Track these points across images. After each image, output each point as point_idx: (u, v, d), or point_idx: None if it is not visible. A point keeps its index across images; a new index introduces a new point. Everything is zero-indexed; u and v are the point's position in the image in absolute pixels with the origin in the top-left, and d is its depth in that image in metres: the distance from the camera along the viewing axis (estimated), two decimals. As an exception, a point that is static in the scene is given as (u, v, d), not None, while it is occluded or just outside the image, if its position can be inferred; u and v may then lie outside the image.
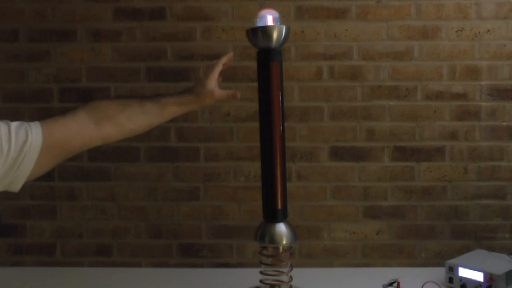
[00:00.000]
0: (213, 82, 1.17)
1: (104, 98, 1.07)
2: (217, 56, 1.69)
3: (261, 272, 1.31)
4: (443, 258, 1.61)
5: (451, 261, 1.48)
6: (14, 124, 0.92)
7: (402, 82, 1.71)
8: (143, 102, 1.10)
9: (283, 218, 1.28)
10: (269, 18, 1.24)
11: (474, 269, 1.41)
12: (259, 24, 1.25)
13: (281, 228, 1.26)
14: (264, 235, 1.26)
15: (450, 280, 1.46)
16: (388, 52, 1.70)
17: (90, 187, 1.75)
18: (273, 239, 1.25)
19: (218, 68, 1.19)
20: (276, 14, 1.26)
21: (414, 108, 1.71)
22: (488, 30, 1.69)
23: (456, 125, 1.71)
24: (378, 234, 1.73)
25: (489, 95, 1.70)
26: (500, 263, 1.45)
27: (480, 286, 1.38)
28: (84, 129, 1.00)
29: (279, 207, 1.26)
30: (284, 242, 1.25)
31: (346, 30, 1.70)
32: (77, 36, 1.73)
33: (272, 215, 1.27)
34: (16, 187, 0.93)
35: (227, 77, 1.70)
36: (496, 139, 1.71)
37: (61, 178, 1.75)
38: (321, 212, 1.73)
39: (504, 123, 1.71)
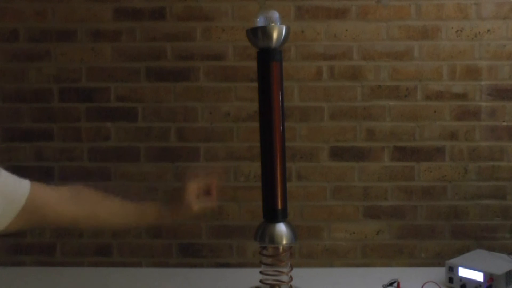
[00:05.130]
0: (191, 197, 1.17)
1: (90, 186, 1.09)
2: (217, 56, 1.72)
3: (261, 272, 1.31)
4: (443, 258, 1.61)
5: (451, 261, 1.48)
6: (5, 173, 0.91)
7: (402, 82, 1.71)
8: (125, 203, 1.12)
9: (283, 218, 1.28)
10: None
11: (474, 269, 1.41)
12: (259, 24, 1.25)
13: (281, 228, 1.26)
14: (264, 235, 1.26)
15: (450, 280, 1.46)
16: (388, 52, 1.71)
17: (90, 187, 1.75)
18: (273, 239, 1.25)
19: (194, 185, 1.18)
20: (276, 14, 1.26)
21: (414, 108, 1.71)
22: (488, 30, 1.69)
23: (456, 125, 1.71)
24: (378, 234, 1.73)
25: (489, 95, 1.70)
26: (500, 263, 1.45)
27: (480, 286, 1.38)
28: (61, 205, 1.01)
29: (279, 207, 1.26)
30: (284, 242, 1.26)
31: (346, 30, 1.70)
32: (77, 36, 1.73)
33: (272, 215, 1.27)
34: None
35: (228, 77, 1.72)
36: (496, 139, 1.71)
37: (61, 178, 1.75)
38: (321, 212, 1.73)
39: (504, 123, 1.71)
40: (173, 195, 1.21)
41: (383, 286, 1.49)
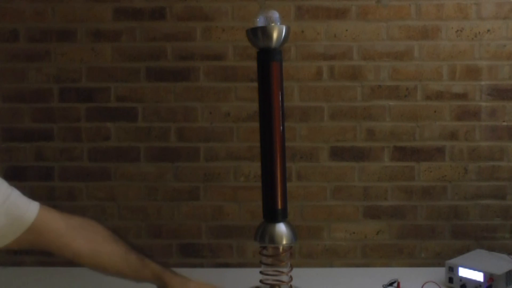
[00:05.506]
0: None
1: (105, 226, 1.07)
2: (217, 56, 1.72)
3: (261, 272, 1.31)
4: (443, 258, 1.61)
5: (451, 261, 1.48)
6: (16, 192, 0.92)
7: (402, 82, 1.71)
8: (130, 251, 1.08)
9: (283, 218, 1.28)
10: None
11: (474, 269, 1.41)
12: (259, 24, 1.25)
13: (281, 228, 1.26)
14: (264, 235, 1.26)
15: (450, 280, 1.46)
16: (388, 52, 1.70)
17: (90, 187, 1.75)
18: (273, 239, 1.25)
19: None
20: (276, 14, 1.26)
21: (414, 108, 1.71)
22: (488, 30, 1.69)
23: (456, 125, 1.71)
24: (378, 234, 1.73)
25: (489, 95, 1.70)
26: (500, 263, 1.45)
27: (480, 286, 1.38)
28: (68, 235, 1.00)
29: (279, 207, 1.26)
30: (284, 242, 1.25)
31: (346, 30, 1.70)
32: (77, 36, 1.73)
33: (272, 215, 1.27)
34: None
35: (228, 77, 1.72)
36: (496, 139, 1.71)
37: (61, 178, 1.75)
38: (321, 212, 1.73)
39: (504, 123, 1.71)
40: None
41: (383, 286, 1.49)
